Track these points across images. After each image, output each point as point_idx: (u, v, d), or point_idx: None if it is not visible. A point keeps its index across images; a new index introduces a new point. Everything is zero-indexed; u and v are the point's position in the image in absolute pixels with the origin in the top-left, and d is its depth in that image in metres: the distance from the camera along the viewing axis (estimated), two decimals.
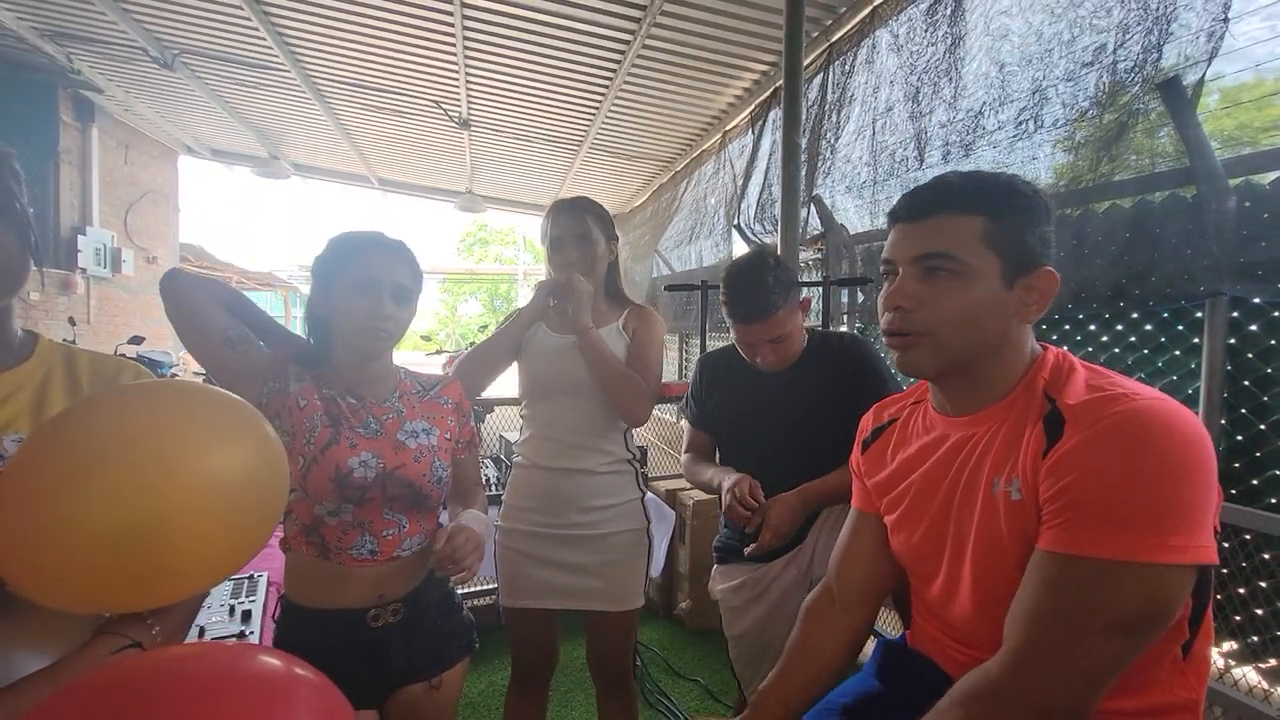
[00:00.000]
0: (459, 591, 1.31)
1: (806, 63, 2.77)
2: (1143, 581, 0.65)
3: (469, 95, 4.36)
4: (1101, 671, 0.67)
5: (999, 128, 1.97)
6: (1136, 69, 1.57)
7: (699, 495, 2.97)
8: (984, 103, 2.03)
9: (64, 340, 0.91)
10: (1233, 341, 1.50)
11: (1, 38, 4.33)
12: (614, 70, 3.72)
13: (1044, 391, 0.78)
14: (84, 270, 5.64)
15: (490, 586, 2.83)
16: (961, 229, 0.79)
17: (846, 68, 2.77)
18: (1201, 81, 1.46)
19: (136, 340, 5.76)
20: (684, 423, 1.78)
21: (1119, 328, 1.74)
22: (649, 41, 3.34)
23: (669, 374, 5.11)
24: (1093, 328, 1.80)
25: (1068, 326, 1.88)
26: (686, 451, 1.74)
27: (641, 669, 2.53)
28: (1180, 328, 1.61)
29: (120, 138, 6.18)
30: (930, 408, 0.94)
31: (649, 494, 1.56)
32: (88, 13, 3.80)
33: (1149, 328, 1.68)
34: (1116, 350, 1.74)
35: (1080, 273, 1.68)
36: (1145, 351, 1.68)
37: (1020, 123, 1.89)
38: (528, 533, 1.50)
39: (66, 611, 0.68)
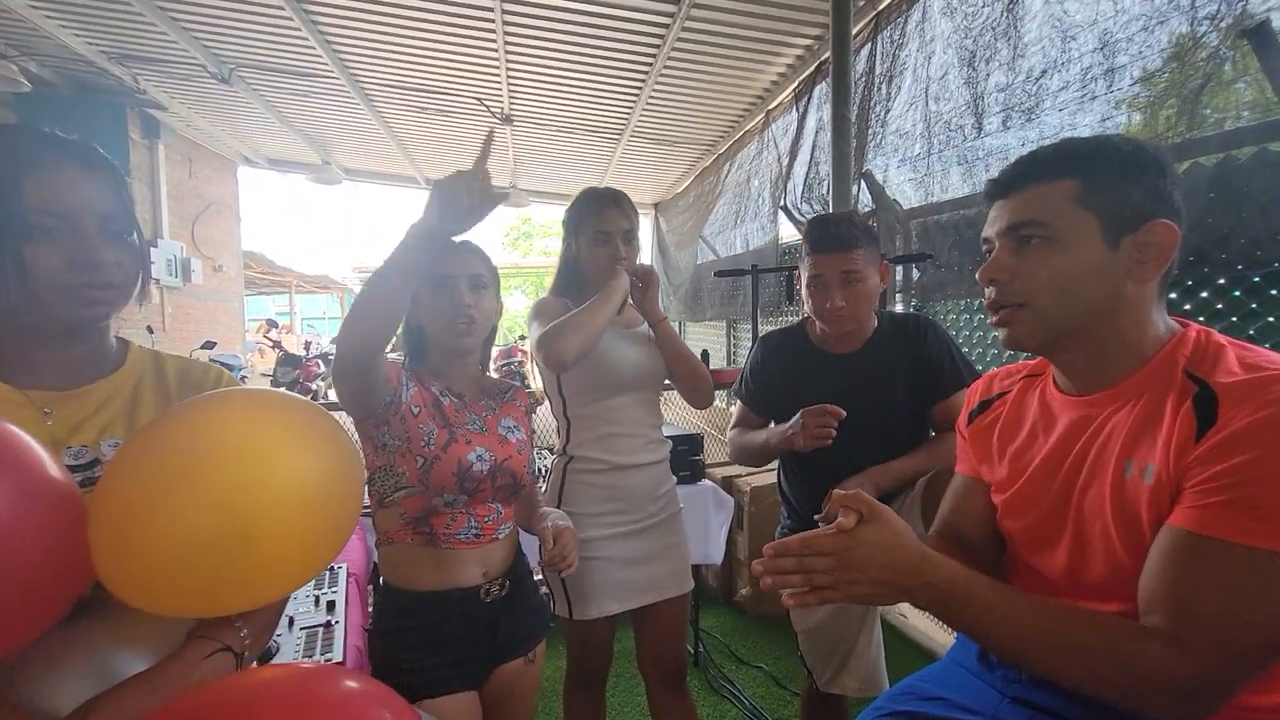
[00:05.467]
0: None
1: (854, 33, 2.68)
2: None
3: (510, 90, 4.39)
4: (1255, 666, 0.63)
5: (1064, 87, 1.86)
6: (1219, 16, 1.46)
7: (757, 481, 2.96)
8: (1046, 62, 1.92)
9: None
10: None
11: (73, 63, 4.58)
12: (653, 55, 3.68)
13: (1185, 370, 0.72)
14: (158, 280, 5.95)
15: None
16: (1052, 194, 0.77)
17: (896, 36, 2.67)
18: None
19: (209, 345, 6.07)
20: (734, 406, 1.76)
21: (1204, 295, 1.63)
22: (688, 23, 3.29)
23: (718, 360, 5.07)
24: (1173, 296, 1.70)
25: None
26: (734, 427, 1.70)
27: (705, 655, 2.54)
28: (1273, 292, 1.50)
29: (184, 152, 6.47)
30: (1052, 385, 0.88)
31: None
32: (150, 33, 3.98)
33: (1238, 293, 1.57)
34: (1201, 319, 1.63)
35: None
36: (1234, 319, 1.58)
37: (1088, 82, 1.79)
38: (602, 538, 1.46)
39: (160, 615, 0.70)
